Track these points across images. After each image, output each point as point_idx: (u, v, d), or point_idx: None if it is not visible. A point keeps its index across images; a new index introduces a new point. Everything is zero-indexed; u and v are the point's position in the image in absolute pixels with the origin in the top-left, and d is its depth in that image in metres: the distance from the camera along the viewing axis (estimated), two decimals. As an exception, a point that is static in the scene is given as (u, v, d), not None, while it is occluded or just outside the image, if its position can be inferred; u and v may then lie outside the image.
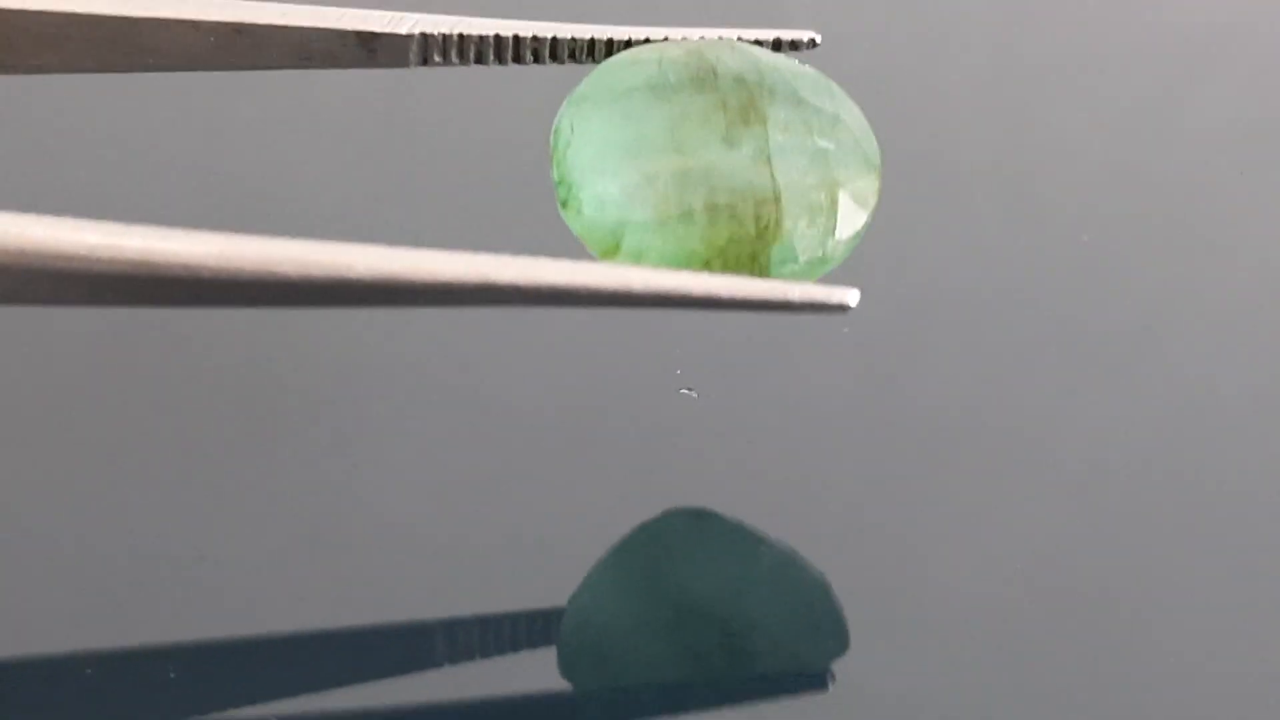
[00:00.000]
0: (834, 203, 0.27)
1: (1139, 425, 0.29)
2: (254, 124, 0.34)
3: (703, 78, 0.27)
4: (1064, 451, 0.28)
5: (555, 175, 0.27)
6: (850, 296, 0.27)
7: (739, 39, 0.29)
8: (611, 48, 0.28)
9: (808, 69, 0.28)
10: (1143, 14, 0.43)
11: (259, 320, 0.29)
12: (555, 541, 0.26)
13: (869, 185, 0.27)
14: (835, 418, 0.29)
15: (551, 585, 0.26)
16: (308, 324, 0.29)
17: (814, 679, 0.25)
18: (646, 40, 0.28)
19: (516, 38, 0.28)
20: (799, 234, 0.27)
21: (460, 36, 0.27)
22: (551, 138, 0.27)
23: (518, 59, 0.28)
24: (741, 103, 0.27)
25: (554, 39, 0.28)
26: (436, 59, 0.27)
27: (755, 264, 0.27)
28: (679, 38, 0.28)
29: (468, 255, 0.24)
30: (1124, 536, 0.27)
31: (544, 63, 0.28)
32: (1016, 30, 0.42)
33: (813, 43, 0.29)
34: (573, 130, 0.27)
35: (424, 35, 0.27)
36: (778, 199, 0.27)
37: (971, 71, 0.40)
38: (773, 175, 0.27)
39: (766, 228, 0.27)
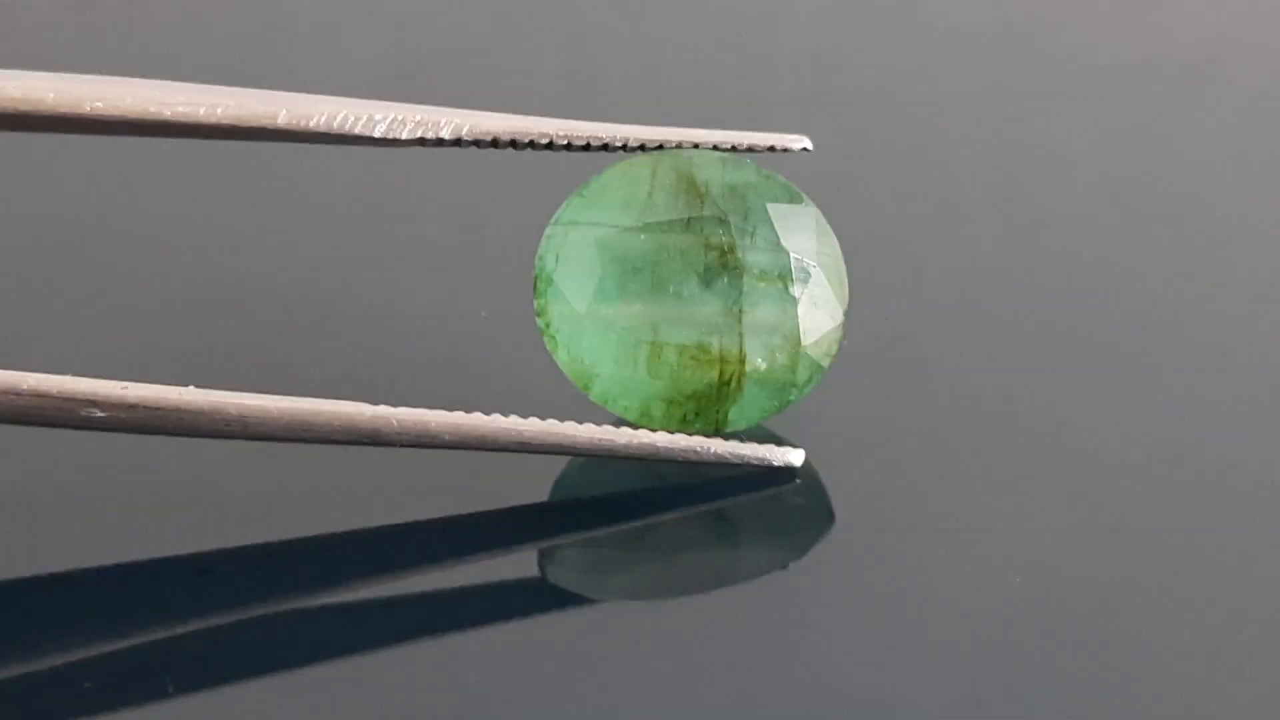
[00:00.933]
0: (795, 362, 0.28)
1: (1140, 437, 0.29)
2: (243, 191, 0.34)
3: (689, 216, 0.28)
4: (1064, 462, 0.29)
5: (536, 307, 0.28)
6: (796, 457, 0.28)
7: (733, 148, 0.29)
8: (604, 147, 0.28)
9: (796, 201, 0.28)
10: (1140, 31, 0.42)
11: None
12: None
13: (834, 336, 0.28)
14: (835, 428, 0.29)
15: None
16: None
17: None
18: (640, 146, 0.28)
19: (513, 139, 0.28)
20: (757, 393, 0.28)
21: (453, 138, 0.27)
22: (536, 263, 0.28)
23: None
24: (723, 248, 0.28)
25: (548, 140, 0.28)
26: (430, 141, 0.28)
27: (715, 416, 0.28)
28: (672, 142, 0.28)
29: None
30: (1124, 545, 0.27)
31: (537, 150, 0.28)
32: (1016, 43, 0.42)
33: (805, 150, 0.29)
34: (556, 263, 0.28)
35: (421, 139, 0.27)
36: (742, 360, 0.28)
37: (972, 81, 0.40)
38: (741, 335, 0.27)
39: (728, 383, 0.28)
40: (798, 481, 0.28)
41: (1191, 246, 0.35)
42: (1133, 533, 0.28)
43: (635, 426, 0.28)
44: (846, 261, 0.28)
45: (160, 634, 0.25)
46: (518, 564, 0.27)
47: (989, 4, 0.43)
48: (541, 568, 0.27)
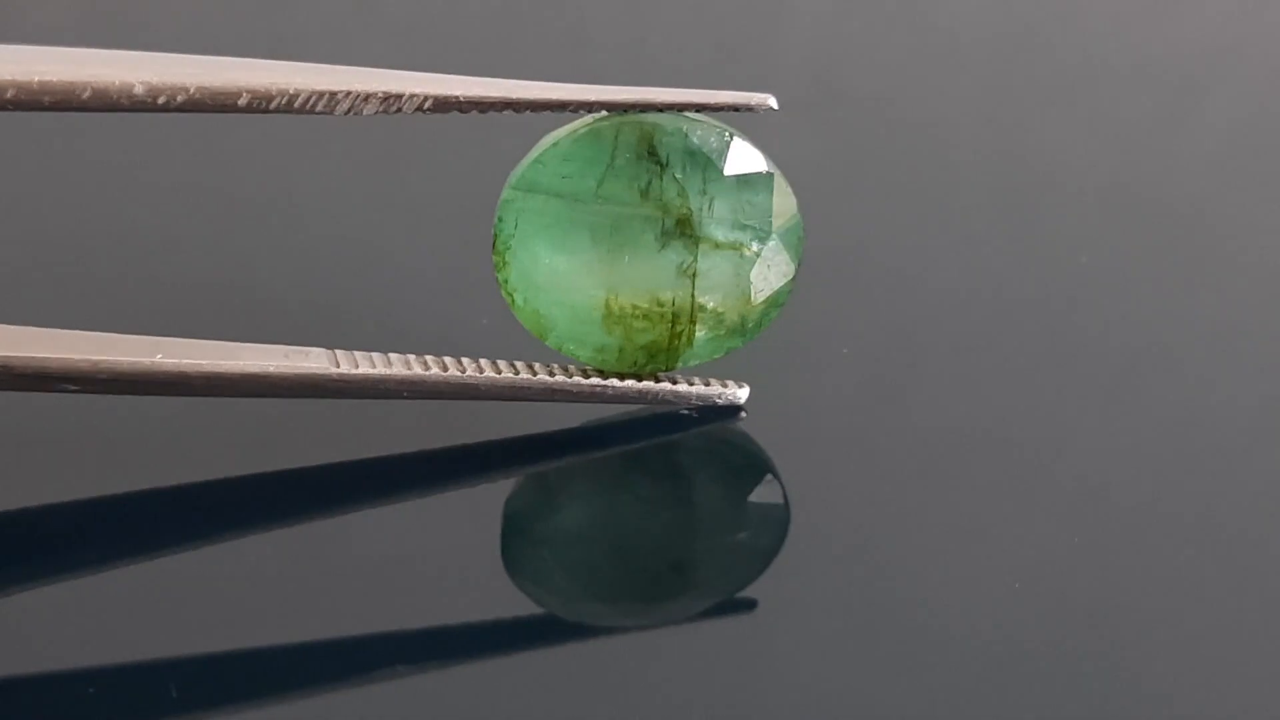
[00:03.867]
0: (745, 318, 0.29)
1: (1138, 446, 0.30)
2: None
3: (648, 181, 0.28)
4: (1062, 472, 0.29)
5: (495, 263, 0.29)
6: (741, 394, 0.30)
7: (699, 107, 0.28)
8: (565, 108, 0.28)
9: (756, 165, 0.28)
10: (1142, 35, 0.40)
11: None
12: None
13: (784, 290, 0.29)
14: (834, 441, 0.30)
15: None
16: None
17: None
18: (605, 106, 0.28)
19: (476, 104, 0.28)
20: (707, 342, 0.29)
21: (407, 95, 0.28)
22: (495, 224, 0.28)
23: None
24: (681, 216, 0.28)
25: (511, 101, 0.28)
26: (393, 110, 0.28)
27: (665, 362, 0.29)
28: (637, 102, 0.28)
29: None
30: (1123, 560, 0.28)
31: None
32: (1015, 47, 0.40)
33: (770, 109, 0.29)
34: (515, 226, 0.28)
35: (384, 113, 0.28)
36: (694, 320, 0.28)
37: (972, 86, 0.39)
38: (693, 295, 0.28)
39: (679, 336, 0.29)
40: (743, 416, 0.30)
41: (1171, 250, 0.35)
42: (1131, 556, 0.28)
43: (587, 372, 0.29)
44: (806, 218, 0.29)
45: (112, 571, 0.28)
46: (475, 500, 0.29)
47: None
48: (498, 507, 0.29)
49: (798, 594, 0.27)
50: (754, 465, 0.29)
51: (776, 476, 0.29)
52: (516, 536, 0.28)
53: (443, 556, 0.28)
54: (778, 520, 0.28)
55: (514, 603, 0.27)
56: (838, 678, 0.26)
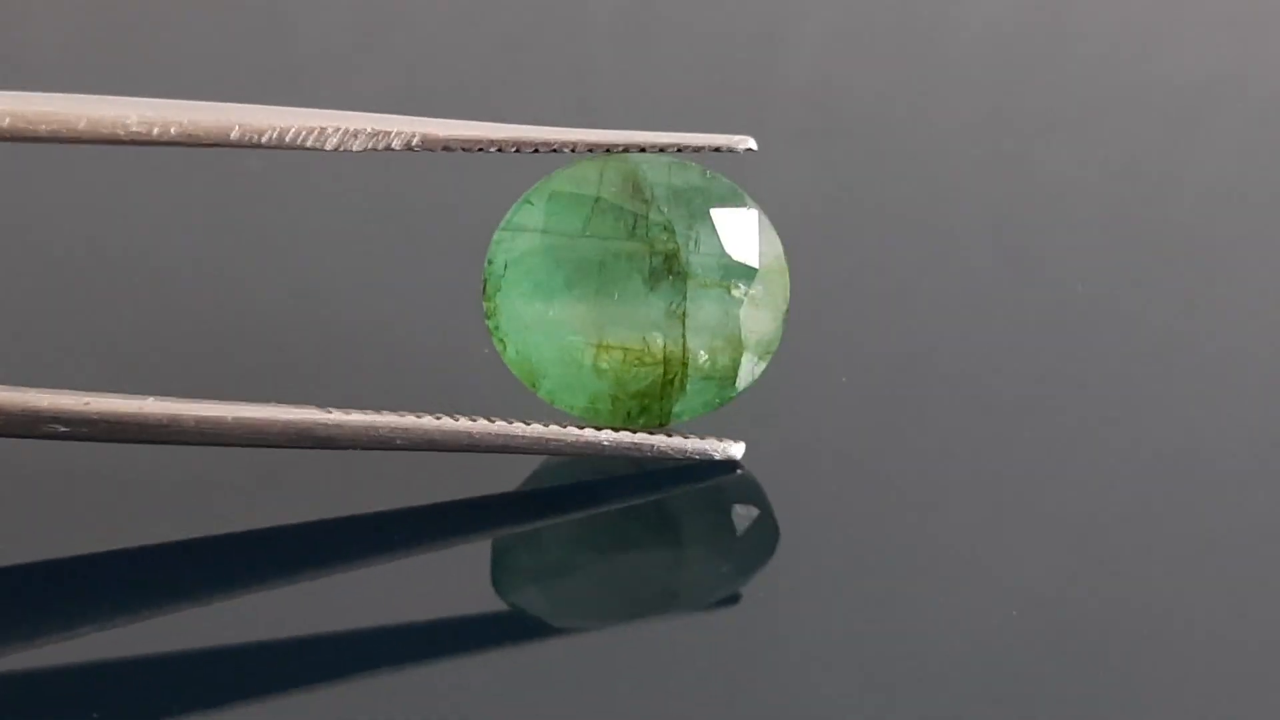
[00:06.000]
0: (737, 360, 0.29)
1: (1138, 475, 0.30)
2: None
3: (635, 220, 0.28)
4: (1061, 504, 0.29)
5: (486, 309, 0.29)
6: (737, 450, 0.29)
7: (680, 149, 0.29)
8: (552, 150, 0.28)
9: (740, 204, 0.29)
10: (1139, 63, 0.42)
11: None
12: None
13: (775, 334, 0.29)
14: (834, 470, 0.30)
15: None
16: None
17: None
18: (589, 149, 0.29)
19: (462, 146, 0.28)
20: (701, 390, 0.28)
21: (399, 134, 0.28)
22: (485, 267, 0.28)
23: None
24: (668, 253, 0.28)
25: (497, 146, 0.28)
26: (381, 147, 0.28)
27: (659, 412, 0.29)
28: (619, 145, 0.29)
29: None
30: (1121, 590, 0.28)
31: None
32: (1013, 74, 0.42)
33: (749, 150, 0.29)
34: (505, 268, 0.28)
35: (372, 150, 0.28)
36: (685, 361, 0.28)
37: (966, 117, 0.40)
38: (684, 336, 0.28)
39: (672, 381, 0.29)
40: (739, 472, 0.29)
41: (1167, 277, 0.35)
42: (1132, 583, 0.28)
43: (581, 425, 0.29)
44: (789, 260, 0.29)
45: (109, 631, 0.27)
46: (467, 558, 0.28)
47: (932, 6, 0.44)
48: (490, 561, 0.28)
49: (789, 605, 0.27)
50: (747, 516, 0.29)
51: (772, 524, 0.29)
52: (507, 588, 0.28)
53: (434, 610, 0.27)
54: (771, 569, 0.28)
55: (504, 645, 0.27)
56: (835, 709, 0.26)
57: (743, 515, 0.29)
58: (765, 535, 0.29)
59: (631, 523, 0.29)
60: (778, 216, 0.29)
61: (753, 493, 0.29)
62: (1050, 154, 0.39)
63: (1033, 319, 0.33)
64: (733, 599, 0.27)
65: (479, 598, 0.27)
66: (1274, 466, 0.30)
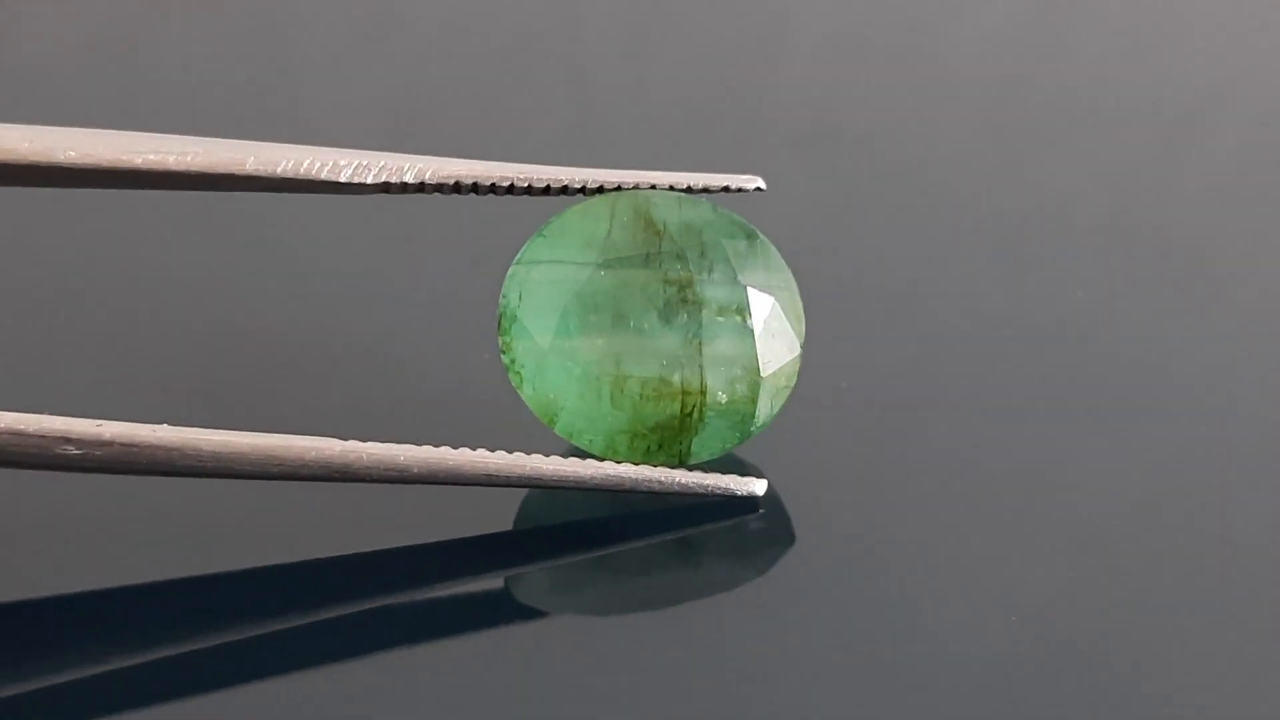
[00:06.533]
0: (755, 392, 0.29)
1: (1140, 484, 0.30)
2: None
3: (647, 252, 0.28)
4: (1063, 512, 0.29)
5: (501, 344, 0.28)
6: (758, 487, 0.29)
7: (688, 188, 0.30)
8: (564, 190, 0.29)
9: (751, 237, 0.29)
10: (1137, 73, 0.43)
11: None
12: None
13: (792, 366, 0.29)
14: (797, 457, 0.30)
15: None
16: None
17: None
18: (599, 188, 0.29)
19: (475, 183, 0.29)
20: (719, 425, 0.28)
21: (416, 182, 0.28)
22: (500, 301, 0.29)
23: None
24: (681, 283, 0.28)
25: (509, 184, 0.29)
26: (394, 187, 0.29)
27: (678, 448, 0.29)
28: (629, 184, 0.29)
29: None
30: (1124, 599, 0.28)
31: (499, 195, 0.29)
32: (1011, 82, 0.43)
33: (758, 189, 0.30)
34: (520, 300, 0.28)
35: (385, 183, 0.28)
36: (703, 392, 0.28)
37: (966, 119, 0.41)
38: (701, 368, 0.28)
39: (690, 414, 0.28)
40: (761, 511, 0.29)
41: (1167, 285, 0.35)
42: (1129, 597, 0.28)
43: (600, 459, 0.28)
44: (802, 295, 0.29)
45: (123, 662, 0.26)
46: (485, 592, 0.28)
47: (931, 37, 0.44)
48: (508, 596, 0.28)
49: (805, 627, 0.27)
50: (770, 549, 0.29)
51: (789, 563, 0.28)
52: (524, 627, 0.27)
53: (454, 645, 0.27)
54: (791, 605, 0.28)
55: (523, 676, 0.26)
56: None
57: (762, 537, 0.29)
58: (787, 565, 0.28)
59: (651, 559, 0.29)
60: (785, 244, 0.29)
61: (776, 527, 0.29)
62: (1051, 165, 0.39)
63: (1034, 328, 0.33)
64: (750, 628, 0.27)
65: (491, 632, 0.27)
66: (1275, 473, 0.30)
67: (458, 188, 0.29)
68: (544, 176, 0.29)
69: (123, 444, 0.26)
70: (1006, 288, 0.35)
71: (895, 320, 0.34)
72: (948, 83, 0.42)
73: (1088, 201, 0.38)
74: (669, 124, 0.39)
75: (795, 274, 0.29)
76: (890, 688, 0.26)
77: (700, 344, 0.28)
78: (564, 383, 0.28)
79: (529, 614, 0.27)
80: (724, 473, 0.29)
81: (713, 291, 0.29)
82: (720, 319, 0.29)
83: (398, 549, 0.28)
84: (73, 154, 0.27)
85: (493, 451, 0.28)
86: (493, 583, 0.28)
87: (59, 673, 0.26)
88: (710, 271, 0.29)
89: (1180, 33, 0.45)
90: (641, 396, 0.28)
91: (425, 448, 0.28)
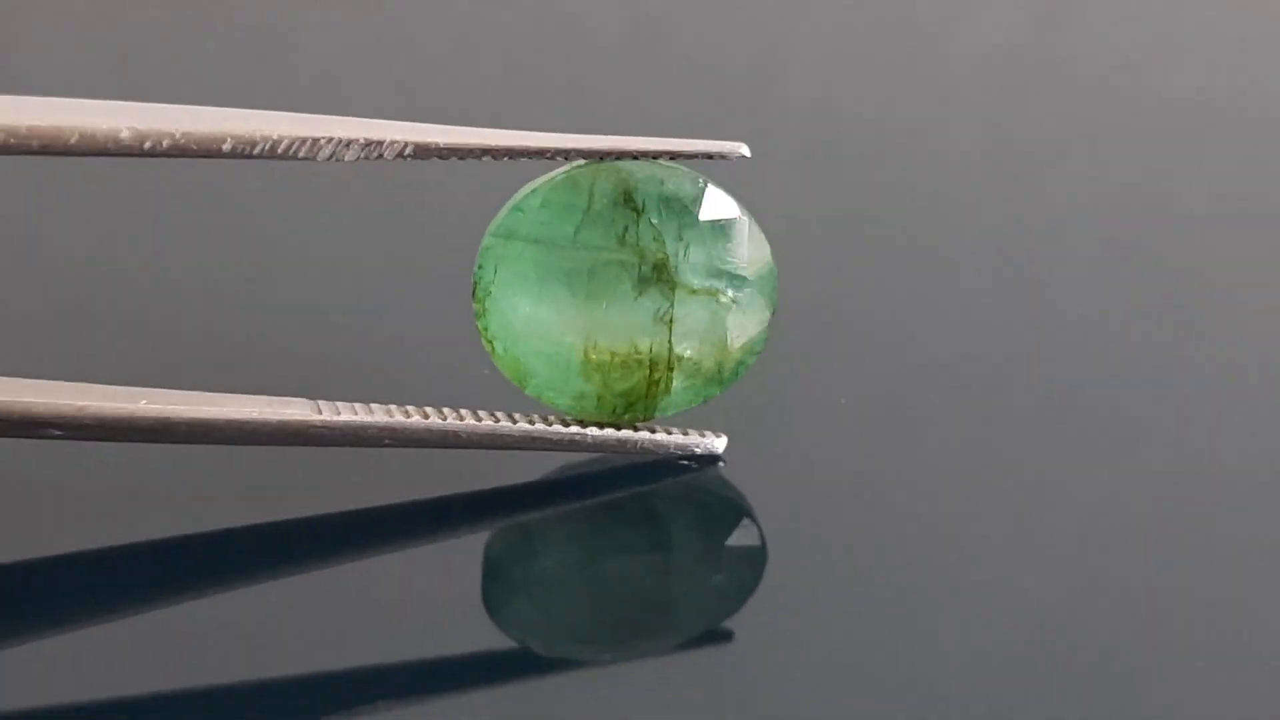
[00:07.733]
0: (722, 364, 0.29)
1: (1132, 489, 0.30)
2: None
3: (625, 226, 0.29)
4: (1050, 522, 0.29)
5: (475, 310, 0.29)
6: (719, 444, 0.30)
7: (672, 155, 0.29)
8: (541, 154, 0.29)
9: (731, 213, 0.29)
10: (1138, 88, 0.42)
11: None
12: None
13: (760, 337, 0.29)
14: (833, 492, 0.30)
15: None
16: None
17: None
18: (580, 154, 0.29)
19: (455, 152, 0.29)
20: (686, 389, 0.29)
21: (388, 142, 0.28)
22: (475, 272, 0.29)
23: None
24: (657, 261, 0.29)
25: (489, 152, 0.29)
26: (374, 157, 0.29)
27: (644, 409, 0.29)
28: (611, 150, 0.29)
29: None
30: (1114, 610, 0.28)
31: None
32: (1013, 97, 0.42)
33: (743, 157, 0.29)
34: (495, 274, 0.29)
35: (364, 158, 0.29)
36: (671, 366, 0.29)
37: (967, 139, 0.40)
38: (670, 342, 0.29)
39: (657, 383, 0.29)
40: (721, 465, 0.30)
41: (1168, 303, 0.35)
42: (1132, 610, 0.28)
43: (566, 421, 0.30)
44: (781, 265, 0.30)
45: (100, 626, 0.28)
46: (456, 550, 0.29)
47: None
48: (479, 554, 0.29)
49: (775, 632, 0.27)
50: (731, 511, 0.30)
51: (754, 521, 0.29)
52: (497, 582, 0.29)
53: (424, 604, 0.28)
54: (755, 562, 0.29)
55: (495, 644, 0.27)
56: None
57: (728, 523, 0.30)
58: (748, 534, 0.29)
59: (616, 519, 0.30)
60: (770, 221, 0.29)
61: (736, 490, 0.30)
62: (1047, 170, 0.39)
63: (1022, 329, 0.34)
64: (718, 601, 0.28)
65: (464, 596, 0.28)
66: (1275, 482, 0.31)
67: (438, 152, 0.29)
68: (525, 144, 0.29)
69: (102, 422, 0.28)
70: (993, 278, 0.35)
71: (878, 300, 0.34)
72: (947, 82, 0.42)
73: (1088, 201, 0.37)
74: (658, 94, 0.39)
75: (778, 248, 0.29)
76: (839, 648, 0.27)
77: (671, 319, 0.29)
78: (535, 351, 0.29)
79: (496, 572, 0.29)
80: (685, 431, 0.30)
81: (688, 269, 0.29)
82: (693, 296, 0.29)
83: (365, 510, 0.29)
84: (35, 144, 0.27)
85: (460, 415, 0.29)
86: (461, 542, 0.29)
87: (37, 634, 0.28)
88: (687, 250, 0.29)
89: (1184, 42, 0.44)
90: (611, 366, 0.29)
91: (395, 415, 0.29)
